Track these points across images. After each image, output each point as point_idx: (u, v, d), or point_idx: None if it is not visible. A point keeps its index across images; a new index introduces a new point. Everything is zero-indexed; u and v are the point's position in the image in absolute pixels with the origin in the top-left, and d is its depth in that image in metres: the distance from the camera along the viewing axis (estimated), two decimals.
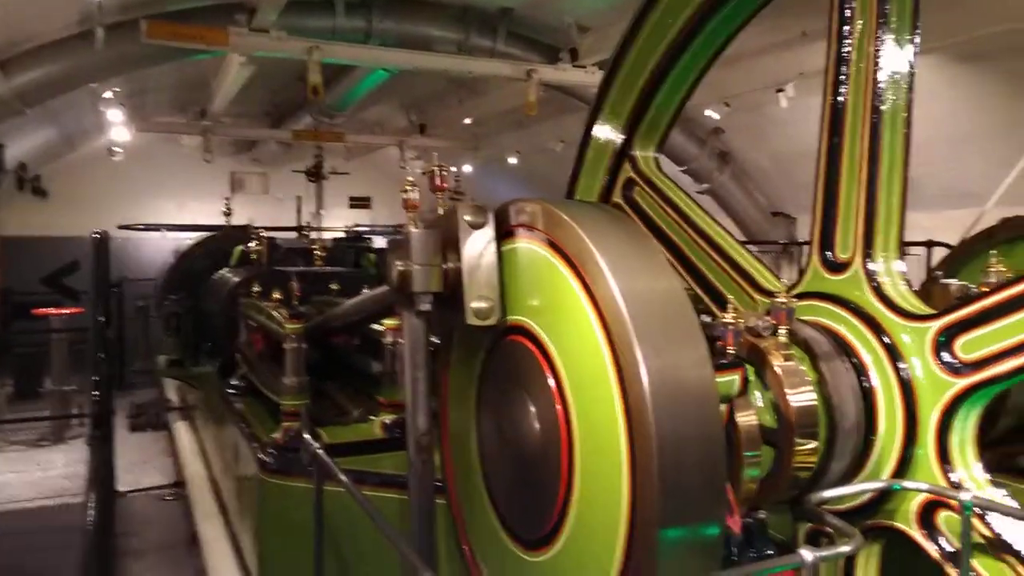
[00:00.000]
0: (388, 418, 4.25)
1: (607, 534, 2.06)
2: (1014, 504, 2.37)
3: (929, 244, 7.99)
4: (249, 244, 7.26)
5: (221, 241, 8.46)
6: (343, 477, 2.80)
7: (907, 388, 2.57)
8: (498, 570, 2.72)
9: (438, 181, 2.57)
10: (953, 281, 3.29)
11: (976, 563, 2.42)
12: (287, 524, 3.91)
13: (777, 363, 2.55)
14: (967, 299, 2.50)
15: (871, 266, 2.60)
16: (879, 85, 2.42)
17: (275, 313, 4.37)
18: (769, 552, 2.30)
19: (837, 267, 2.69)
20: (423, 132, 14.63)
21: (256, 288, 5.47)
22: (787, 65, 7.17)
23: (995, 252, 3.20)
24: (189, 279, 7.72)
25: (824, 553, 1.82)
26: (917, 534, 2.55)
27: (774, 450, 2.54)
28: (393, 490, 3.59)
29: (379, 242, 12.97)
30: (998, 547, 2.35)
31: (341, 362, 4.82)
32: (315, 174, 13.91)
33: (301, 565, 3.86)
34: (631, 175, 3.53)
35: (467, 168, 15.28)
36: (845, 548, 1.89)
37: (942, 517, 2.56)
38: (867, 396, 2.66)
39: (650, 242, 2.24)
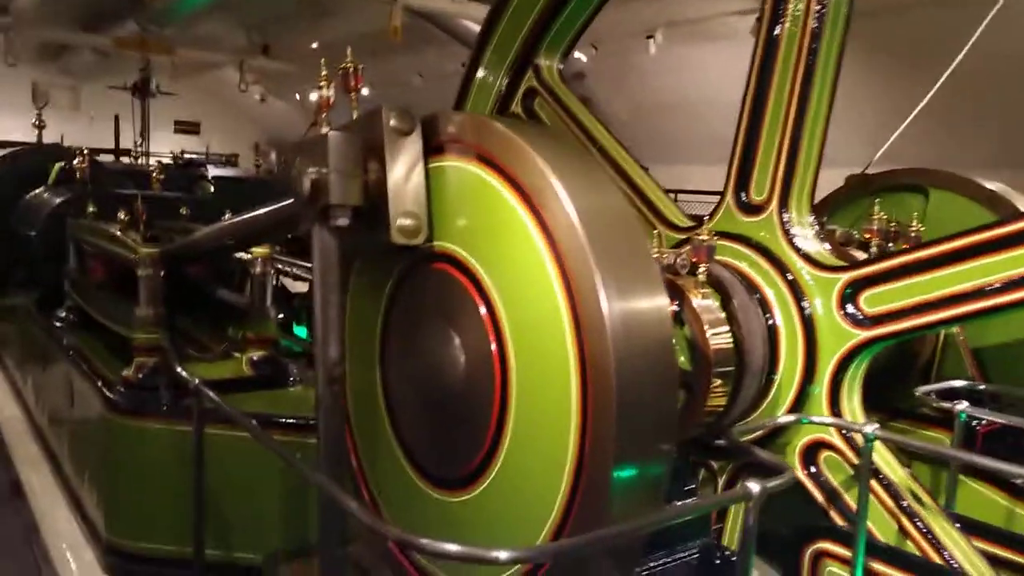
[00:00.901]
0: (256, 354, 3.91)
1: (546, 474, 1.96)
2: None
3: None
4: (73, 162, 6.40)
5: (33, 158, 7.43)
6: (242, 417, 2.52)
7: (810, 333, 2.67)
8: (404, 511, 2.57)
9: (352, 81, 2.29)
10: (836, 227, 3.45)
11: (849, 497, 2.59)
12: (140, 470, 3.52)
13: (696, 301, 2.54)
14: (879, 256, 2.62)
15: (785, 213, 2.65)
16: (817, 24, 2.41)
17: (124, 236, 3.86)
18: (691, 487, 2.33)
19: (751, 209, 2.71)
20: (266, 53, 13.61)
21: (91, 209, 4.84)
22: (657, 11, 7.23)
23: (878, 200, 3.38)
24: None
25: (772, 483, 1.82)
26: (800, 472, 2.69)
27: (685, 390, 2.56)
28: (274, 431, 3.31)
29: (213, 171, 12.05)
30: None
31: (197, 295, 4.37)
32: (141, 90, 12.56)
33: (156, 513, 3.51)
34: (533, 84, 3.34)
35: (313, 97, 14.43)
36: (788, 478, 1.91)
37: (823, 457, 2.71)
38: (772, 337, 2.74)
39: (594, 160, 2.11)
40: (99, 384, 3.77)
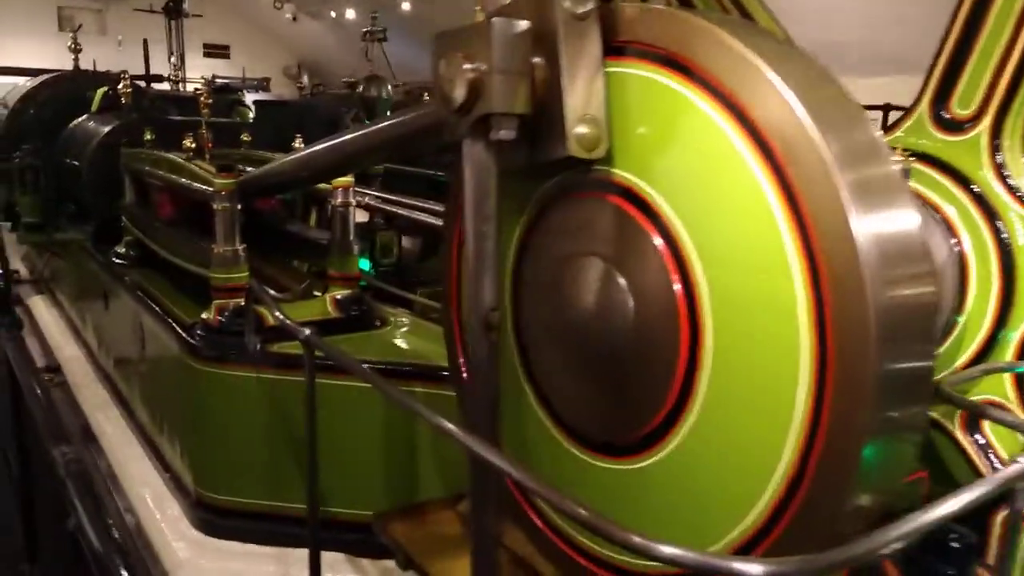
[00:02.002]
0: (340, 293, 3.60)
1: (758, 441, 1.63)
2: None
3: (887, 108, 7.76)
4: (118, 88, 6.02)
5: (72, 84, 7.06)
6: (363, 367, 2.20)
7: (1008, 273, 2.29)
8: (544, 476, 2.27)
9: None
10: None
11: None
12: (229, 420, 3.27)
13: None
14: None
15: (998, 138, 2.22)
16: None
17: (196, 167, 3.52)
18: None
19: (951, 126, 2.29)
20: None
21: (148, 137, 4.49)
22: None
23: None
24: (40, 128, 6.39)
25: None
26: (959, 432, 2.36)
27: None
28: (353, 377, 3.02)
29: (251, 96, 11.61)
30: None
31: (267, 229, 4.05)
32: (174, 11, 12.02)
33: (248, 466, 3.28)
34: None
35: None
36: None
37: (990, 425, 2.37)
38: (962, 275, 2.37)
39: (836, 78, 1.69)
40: (177, 328, 3.50)
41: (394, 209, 6.07)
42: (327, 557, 3.16)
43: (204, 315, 3.38)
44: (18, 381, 2.85)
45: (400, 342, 3.38)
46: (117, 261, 4.74)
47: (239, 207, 3.31)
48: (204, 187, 3.40)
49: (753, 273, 1.60)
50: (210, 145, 3.69)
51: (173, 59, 11.43)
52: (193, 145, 3.71)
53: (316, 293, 3.71)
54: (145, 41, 14.38)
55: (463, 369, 2.50)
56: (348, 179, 3.54)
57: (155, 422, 3.89)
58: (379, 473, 3.07)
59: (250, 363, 3.17)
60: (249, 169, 3.50)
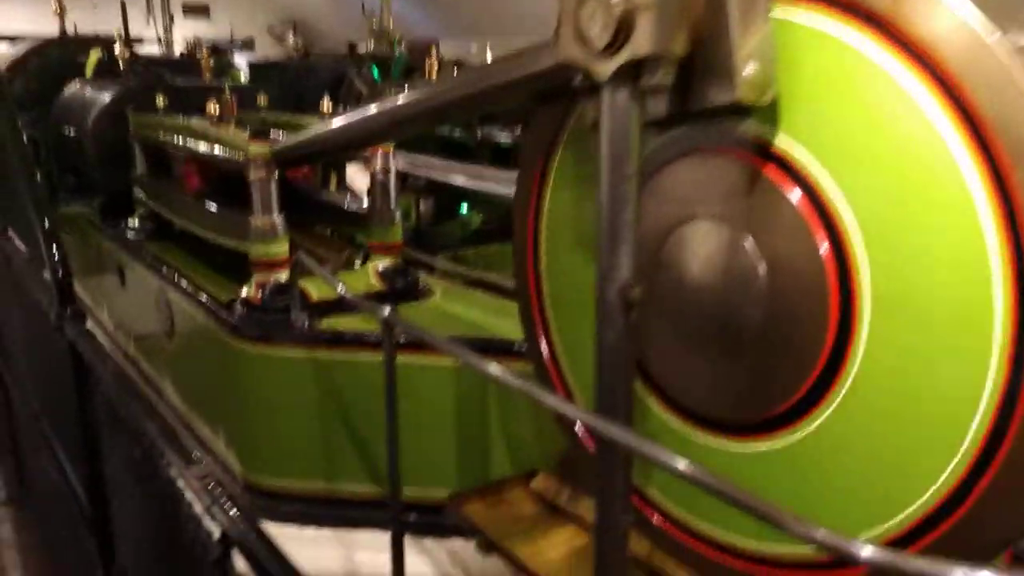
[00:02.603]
0: (383, 263, 3.41)
1: (933, 419, 1.48)
2: None
3: None
4: (113, 51, 5.71)
5: (62, 49, 6.70)
6: (454, 344, 2.02)
7: None
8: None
9: None
10: None
11: None
12: (277, 402, 3.10)
13: None
14: None
15: None
16: None
17: (225, 133, 3.28)
18: None
19: None
20: None
21: (162, 103, 4.23)
22: None
23: None
24: (33, 98, 6.07)
25: None
26: None
27: None
28: (418, 354, 2.84)
29: (240, 58, 11.19)
30: None
31: (300, 197, 3.83)
32: None
33: (299, 449, 3.12)
34: None
35: None
36: None
37: None
38: None
39: None
40: (213, 306, 3.30)
41: (408, 169, 5.84)
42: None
43: (244, 291, 3.18)
44: (89, 379, 2.67)
45: (454, 314, 3.21)
46: (132, 236, 4.51)
47: (276, 175, 3.10)
48: (236, 155, 3.17)
49: (924, 221, 1.43)
50: (234, 112, 3.45)
51: (158, 19, 10.96)
52: (218, 110, 3.47)
53: (357, 264, 3.52)
54: (123, 2, 13.83)
55: (544, 350, 2.35)
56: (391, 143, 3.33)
57: (190, 404, 3.72)
58: (445, 452, 2.92)
59: (299, 341, 2.99)
60: (282, 135, 3.28)
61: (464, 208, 5.67)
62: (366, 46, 6.91)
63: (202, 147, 3.48)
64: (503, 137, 5.85)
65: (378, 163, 3.33)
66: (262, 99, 4.32)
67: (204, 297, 3.41)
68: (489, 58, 7.26)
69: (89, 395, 2.69)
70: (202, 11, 16.16)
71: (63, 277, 2.92)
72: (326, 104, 3.67)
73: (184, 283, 3.62)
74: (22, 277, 3.43)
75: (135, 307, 4.44)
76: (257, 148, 3.05)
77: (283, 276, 3.17)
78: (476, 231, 5.55)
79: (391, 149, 3.35)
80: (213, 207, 3.56)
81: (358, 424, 3.02)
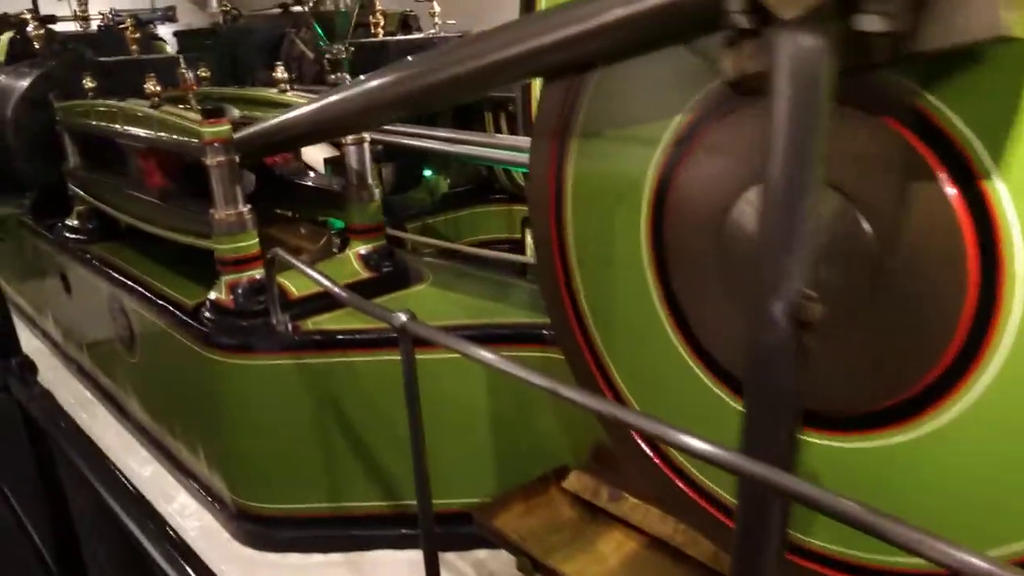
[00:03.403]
0: (364, 248, 3.03)
1: None
2: None
3: None
4: (26, 30, 5.10)
5: None
6: (478, 350, 1.68)
7: None
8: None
9: None
10: None
11: None
12: (260, 417, 2.74)
13: None
14: None
15: None
16: None
17: (169, 116, 2.83)
18: None
19: None
20: None
21: (89, 84, 3.73)
22: None
23: None
24: None
25: None
26: None
27: None
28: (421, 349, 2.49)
29: (164, 29, 10.40)
30: None
31: (265, 180, 3.40)
32: None
33: (292, 466, 2.77)
34: None
35: None
36: None
37: None
38: None
39: None
40: (179, 313, 2.90)
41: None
42: (411, 556, 2.74)
43: (213, 294, 2.78)
44: (42, 441, 2.25)
45: (454, 299, 2.85)
46: (71, 236, 4.03)
47: (238, 159, 2.68)
48: (188, 139, 2.74)
49: None
50: (195, 88, 2.97)
51: None
52: (157, 88, 3.01)
53: (335, 252, 3.13)
54: None
55: (581, 347, 2.03)
56: None
57: (163, 423, 3.32)
58: (459, 455, 2.59)
59: (285, 348, 2.62)
60: (236, 112, 2.84)
61: (427, 173, 5.27)
62: (306, 4, 6.35)
63: (143, 132, 3.02)
64: None
65: (355, 136, 2.93)
66: (203, 70, 3.84)
67: (166, 303, 3.00)
68: (437, 8, 6.77)
69: (43, 457, 2.28)
70: None
71: (2, 323, 2.42)
72: (280, 72, 3.23)
73: (139, 287, 3.19)
74: None
75: (85, 316, 3.98)
76: (212, 129, 2.62)
77: (256, 274, 2.78)
78: (444, 197, 5.18)
79: None
80: (160, 199, 3.11)
81: (360, 433, 2.67)
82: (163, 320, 3.01)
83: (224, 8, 8.60)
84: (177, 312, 2.90)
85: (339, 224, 3.26)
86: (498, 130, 5.47)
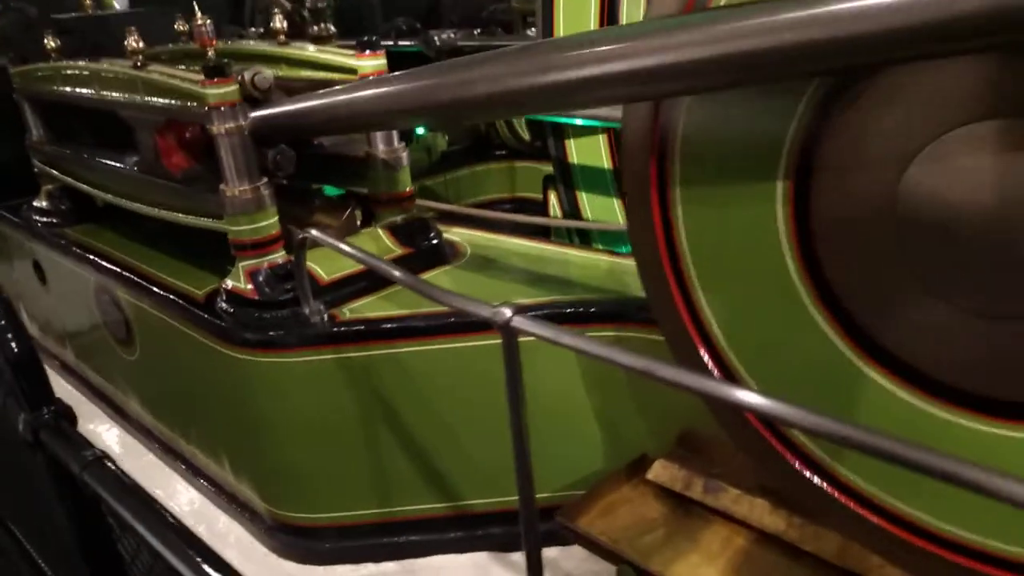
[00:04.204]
0: (395, 219, 2.70)
1: None
2: None
3: None
4: None
5: None
6: (594, 345, 1.39)
7: None
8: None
9: None
10: None
11: None
12: (294, 420, 2.42)
13: None
14: None
15: None
16: None
17: (161, 77, 2.42)
18: None
19: None
20: None
21: (51, 44, 3.26)
22: None
23: None
24: None
25: None
26: None
27: None
28: (476, 334, 2.19)
29: None
30: None
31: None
32: None
33: (333, 471, 2.47)
34: None
35: None
36: None
37: None
38: None
39: None
40: (188, 305, 2.54)
41: None
42: (476, 559, 2.47)
43: (229, 283, 2.42)
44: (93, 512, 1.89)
45: (512, 276, 2.53)
46: (41, 219, 3.60)
47: (246, 123, 2.30)
48: (186, 103, 2.34)
49: None
50: (212, 43, 2.50)
51: None
52: (139, 45, 2.58)
53: (359, 225, 2.77)
54: None
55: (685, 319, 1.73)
56: (379, 61, 2.55)
57: (173, 427, 2.98)
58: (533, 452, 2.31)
59: (321, 341, 2.29)
60: (269, 73, 2.43)
61: (420, 131, 4.88)
62: None
63: (133, 98, 2.60)
64: (463, 42, 5.04)
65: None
66: (180, 24, 3.38)
67: (171, 294, 2.63)
68: None
69: (92, 531, 1.91)
70: None
71: (28, 359, 1.99)
72: (279, 21, 2.82)
73: (136, 277, 2.81)
74: None
75: (66, 309, 3.58)
76: (218, 91, 2.23)
77: (278, 257, 2.42)
78: (443, 155, 4.80)
79: (384, 70, 2.57)
80: (149, 172, 2.71)
81: (411, 431, 2.37)
82: (169, 313, 2.64)
83: None
84: (187, 304, 2.54)
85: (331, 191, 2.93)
86: None
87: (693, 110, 1.57)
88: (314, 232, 2.14)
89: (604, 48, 1.49)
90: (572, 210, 3.78)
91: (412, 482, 2.40)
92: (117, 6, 7.17)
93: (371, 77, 2.42)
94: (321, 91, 2.27)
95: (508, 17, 5.56)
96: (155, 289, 2.70)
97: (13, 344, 1.82)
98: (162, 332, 2.73)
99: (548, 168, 3.87)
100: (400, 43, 5.24)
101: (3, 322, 1.79)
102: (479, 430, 2.28)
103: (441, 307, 2.05)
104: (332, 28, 3.05)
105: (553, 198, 4.02)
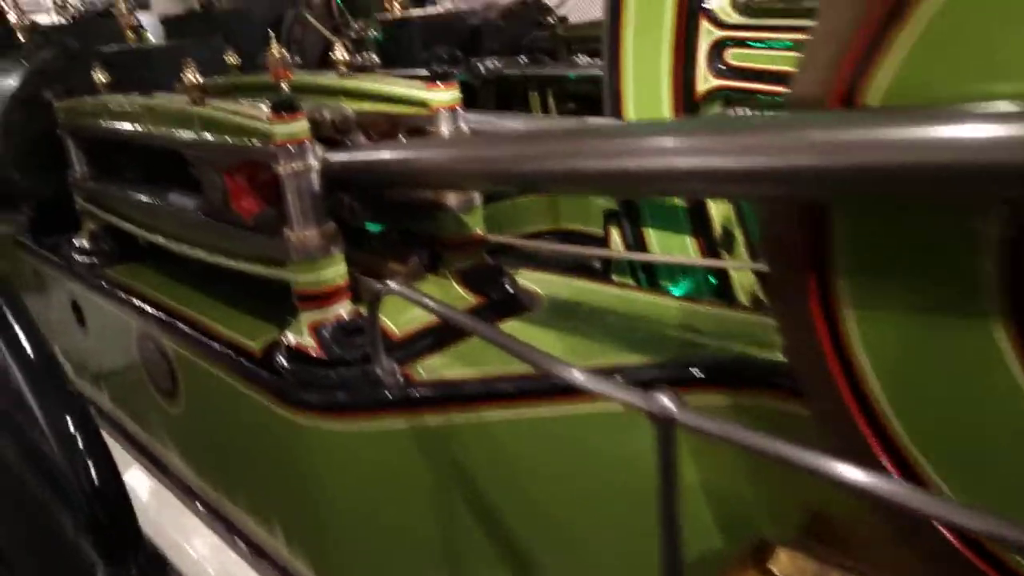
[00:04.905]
0: (463, 266, 2.47)
1: None
2: None
3: None
4: (6, 21, 4.44)
5: None
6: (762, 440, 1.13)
7: None
8: None
9: None
10: None
11: None
12: (361, 495, 2.17)
13: None
14: None
15: None
16: None
17: (222, 113, 2.22)
18: None
19: None
20: None
21: (102, 78, 3.10)
22: None
23: None
24: None
25: None
26: None
27: None
28: (559, 400, 1.94)
29: (145, 16, 9.65)
30: None
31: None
32: None
33: (404, 548, 2.21)
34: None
35: None
36: None
37: None
38: None
39: None
40: (242, 360, 2.31)
41: None
42: None
43: (291, 338, 2.19)
44: None
45: (602, 329, 2.28)
46: (82, 258, 3.42)
47: (319, 164, 2.09)
48: (253, 141, 2.14)
49: None
50: (289, 75, 2.30)
51: None
52: (196, 79, 2.39)
53: (424, 271, 2.55)
54: None
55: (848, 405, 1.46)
56: (453, 94, 2.34)
57: (219, 487, 2.74)
58: (625, 538, 2.04)
59: (395, 406, 2.04)
60: (350, 111, 2.23)
61: None
62: None
63: (189, 134, 2.41)
64: (509, 70, 4.87)
65: (441, 125, 2.34)
66: (231, 57, 3.21)
67: (224, 346, 2.41)
68: None
69: None
70: None
71: (113, 492, 1.66)
72: (340, 51, 2.63)
73: (184, 325, 2.60)
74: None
75: (105, 352, 3.38)
76: (286, 128, 2.03)
77: (343, 310, 2.20)
78: None
79: (459, 102, 2.36)
80: (202, 213, 2.50)
81: (496, 510, 2.11)
82: (221, 367, 2.42)
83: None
84: (241, 359, 2.32)
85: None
86: (545, 111, 4.91)
87: (859, 219, 1.31)
88: (393, 284, 1.91)
89: (736, 141, 1.26)
90: (638, 248, 3.54)
91: (495, 570, 2.14)
92: (152, 39, 7.11)
93: (452, 134, 2.23)
94: (401, 142, 2.08)
95: (551, 44, 5.41)
96: (206, 339, 2.48)
97: (94, 472, 1.52)
98: (212, 386, 2.51)
99: (596, 200, 3.65)
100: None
101: (85, 443, 1.50)
102: (582, 515, 2.01)
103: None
104: (376, 58, 2.86)
105: (616, 234, 3.78)
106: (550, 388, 1.97)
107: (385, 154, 2.09)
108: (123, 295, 2.98)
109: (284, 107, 2.03)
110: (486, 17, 5.20)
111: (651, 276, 3.61)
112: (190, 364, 2.60)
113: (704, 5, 2.89)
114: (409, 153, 2.08)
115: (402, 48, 6.36)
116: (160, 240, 2.82)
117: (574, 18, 5.69)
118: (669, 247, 3.42)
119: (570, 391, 1.94)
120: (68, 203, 3.56)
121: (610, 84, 3.22)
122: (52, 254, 3.62)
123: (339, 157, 2.12)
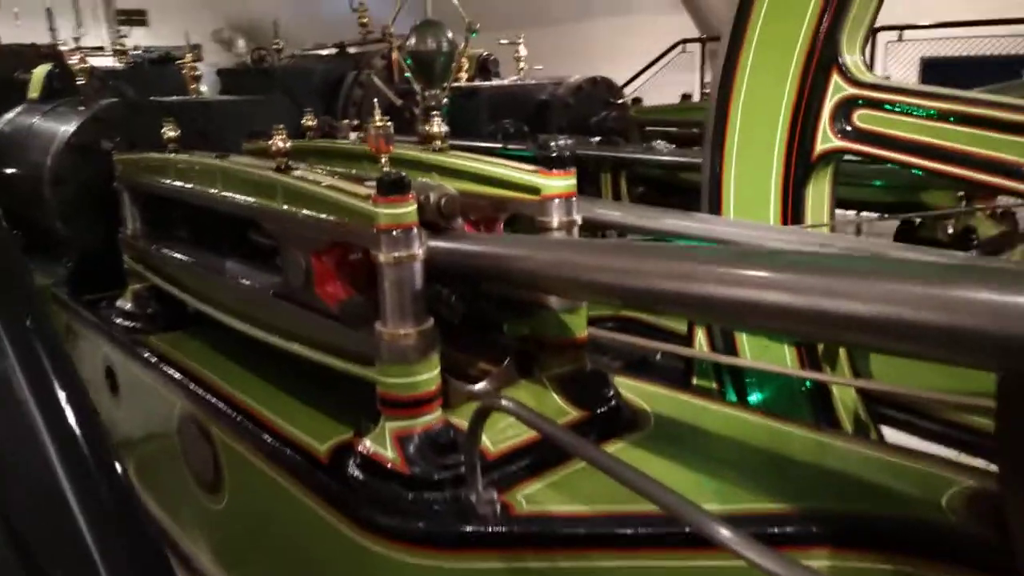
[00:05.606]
0: (563, 371, 2.18)
1: None
2: None
3: None
4: (68, 64, 4.31)
5: None
6: None
7: None
8: None
9: None
10: None
11: None
12: None
13: None
14: None
15: None
16: None
17: (331, 190, 1.96)
18: None
19: None
20: None
21: (171, 133, 2.89)
22: None
23: None
24: None
25: None
26: None
27: None
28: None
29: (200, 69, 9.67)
30: None
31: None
32: None
33: None
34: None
35: None
36: None
37: None
38: None
39: None
40: (306, 464, 2.01)
41: None
42: None
43: (370, 445, 1.89)
44: None
45: (726, 457, 1.97)
46: (122, 321, 3.15)
47: (423, 253, 1.82)
48: (350, 222, 1.88)
49: None
50: (389, 149, 2.02)
51: (100, 25, 9.32)
52: (283, 144, 2.16)
53: (517, 375, 2.25)
54: (49, 10, 12.20)
55: None
56: (569, 181, 2.09)
57: None
58: None
59: (492, 543, 1.72)
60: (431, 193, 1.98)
61: None
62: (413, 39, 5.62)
63: (274, 206, 2.15)
64: (582, 150, 4.66)
65: (552, 215, 2.08)
66: (309, 119, 2.99)
67: (282, 443, 2.11)
68: (523, 52, 6.08)
69: None
70: (139, 18, 14.42)
71: None
72: (437, 125, 2.40)
73: (236, 412, 2.31)
74: None
75: (138, 428, 3.08)
76: (392, 211, 1.77)
77: (433, 419, 1.90)
78: None
79: (574, 192, 2.11)
80: (291, 299, 2.22)
81: None
82: (277, 467, 2.12)
83: (258, 54, 7.88)
84: (304, 462, 2.01)
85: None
86: (616, 195, 4.69)
87: None
88: (506, 401, 1.61)
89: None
90: (727, 348, 3.26)
91: None
92: (204, 90, 7.02)
93: (564, 236, 1.98)
94: (518, 237, 1.83)
95: (622, 125, 5.22)
96: (261, 433, 2.18)
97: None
98: (263, 486, 2.20)
99: None
100: (509, 146, 4.88)
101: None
102: None
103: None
104: (446, 127, 2.61)
105: (700, 334, 3.49)
106: (678, 535, 1.66)
107: (498, 248, 1.83)
108: (167, 368, 2.70)
109: (393, 187, 1.77)
110: (554, 93, 5.03)
111: (737, 380, 3.32)
112: (239, 457, 2.30)
113: (840, 59, 2.66)
114: (525, 251, 1.82)
115: (468, 118, 6.21)
116: (217, 313, 2.55)
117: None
118: (764, 355, 3.14)
119: (701, 540, 1.63)
120: (112, 259, 3.32)
121: (712, 165, 2.98)
122: (90, 312, 3.36)
123: (445, 245, 1.86)
